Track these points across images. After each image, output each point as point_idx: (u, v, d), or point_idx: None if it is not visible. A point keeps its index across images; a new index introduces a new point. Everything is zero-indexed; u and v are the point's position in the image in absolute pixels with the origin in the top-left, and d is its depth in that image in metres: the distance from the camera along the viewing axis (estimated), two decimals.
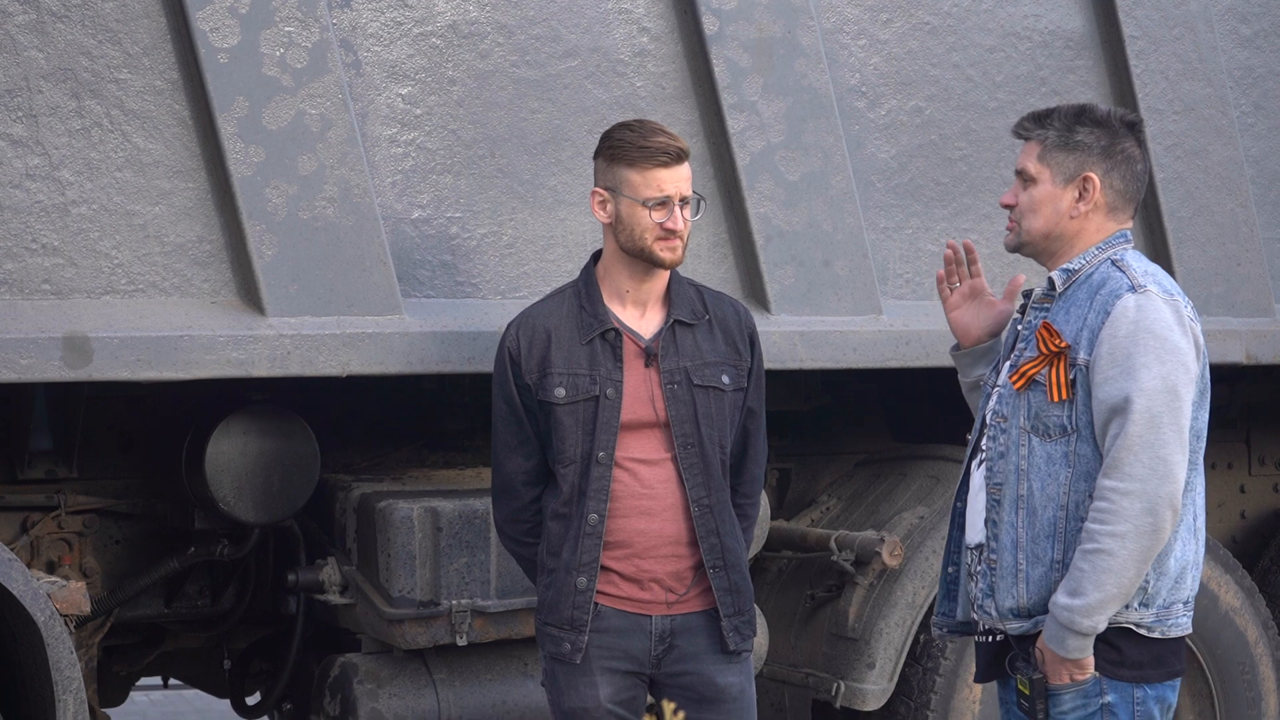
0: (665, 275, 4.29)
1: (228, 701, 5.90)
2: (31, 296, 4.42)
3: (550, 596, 4.24)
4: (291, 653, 5.34)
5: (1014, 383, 3.96)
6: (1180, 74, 5.81)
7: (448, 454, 5.57)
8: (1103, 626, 3.83)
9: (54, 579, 4.53)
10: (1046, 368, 3.92)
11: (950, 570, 4.15)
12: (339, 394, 5.20)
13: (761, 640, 5.31)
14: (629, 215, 4.21)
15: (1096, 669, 3.88)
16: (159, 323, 4.49)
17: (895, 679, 5.48)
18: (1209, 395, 3.98)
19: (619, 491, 4.21)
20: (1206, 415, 3.97)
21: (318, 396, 5.12)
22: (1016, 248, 4.09)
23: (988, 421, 4.04)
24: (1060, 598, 3.84)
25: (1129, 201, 4.05)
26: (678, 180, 4.22)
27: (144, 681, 6.29)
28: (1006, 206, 4.08)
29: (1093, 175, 3.99)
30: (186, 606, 5.41)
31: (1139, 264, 3.98)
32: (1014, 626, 3.96)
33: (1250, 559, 6.68)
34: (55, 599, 4.40)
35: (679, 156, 4.22)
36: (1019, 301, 4.15)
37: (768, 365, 4.62)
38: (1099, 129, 4.01)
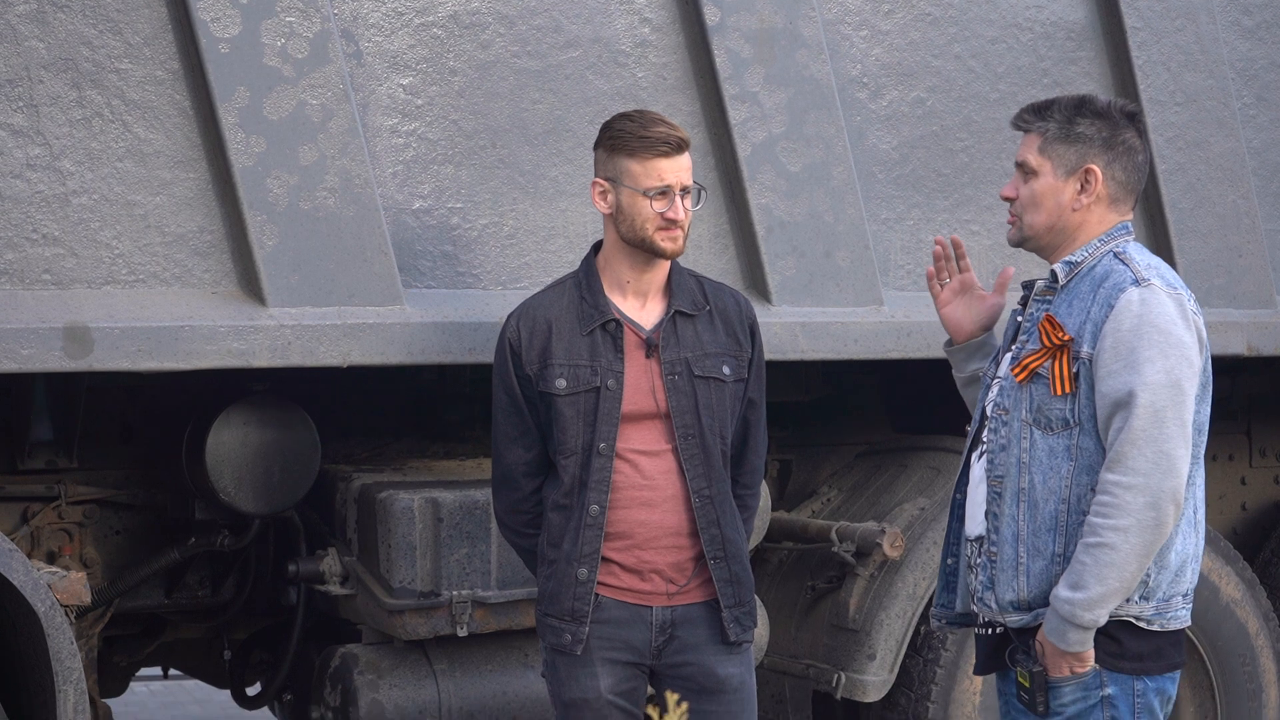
0: (666, 266, 4.28)
1: (228, 692, 5.90)
2: (32, 286, 4.41)
3: (551, 587, 4.24)
4: (292, 643, 5.33)
5: (1016, 375, 3.95)
6: (1182, 65, 5.80)
7: (448, 444, 5.57)
8: (1104, 620, 3.83)
9: (54, 569, 4.53)
10: (1049, 361, 3.91)
11: (950, 562, 4.15)
12: (340, 384, 5.20)
13: (762, 631, 5.30)
14: (630, 205, 4.20)
15: (1096, 661, 3.88)
16: (160, 313, 4.48)
17: (896, 670, 5.48)
18: (1211, 389, 3.98)
19: (620, 483, 4.20)
20: (1208, 409, 3.96)
21: (318, 387, 5.12)
22: (1019, 243, 4.08)
23: (988, 414, 4.03)
24: (1061, 591, 3.83)
25: (1130, 193, 4.04)
26: (678, 170, 4.20)
27: (144, 672, 6.30)
28: (1007, 199, 4.07)
29: (1095, 167, 3.98)
30: (187, 597, 5.41)
31: (1141, 257, 3.97)
32: (1014, 619, 3.95)
33: (1251, 551, 6.68)
34: (56, 589, 4.39)
35: (679, 146, 4.21)
36: (1020, 293, 4.14)
37: (769, 356, 4.62)
38: (1100, 120, 3.99)
